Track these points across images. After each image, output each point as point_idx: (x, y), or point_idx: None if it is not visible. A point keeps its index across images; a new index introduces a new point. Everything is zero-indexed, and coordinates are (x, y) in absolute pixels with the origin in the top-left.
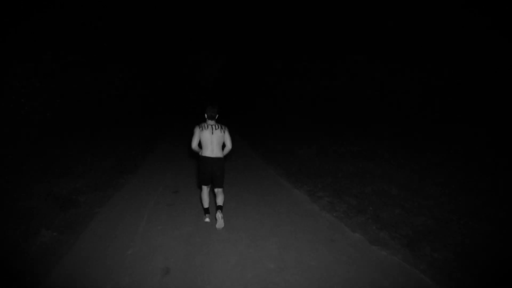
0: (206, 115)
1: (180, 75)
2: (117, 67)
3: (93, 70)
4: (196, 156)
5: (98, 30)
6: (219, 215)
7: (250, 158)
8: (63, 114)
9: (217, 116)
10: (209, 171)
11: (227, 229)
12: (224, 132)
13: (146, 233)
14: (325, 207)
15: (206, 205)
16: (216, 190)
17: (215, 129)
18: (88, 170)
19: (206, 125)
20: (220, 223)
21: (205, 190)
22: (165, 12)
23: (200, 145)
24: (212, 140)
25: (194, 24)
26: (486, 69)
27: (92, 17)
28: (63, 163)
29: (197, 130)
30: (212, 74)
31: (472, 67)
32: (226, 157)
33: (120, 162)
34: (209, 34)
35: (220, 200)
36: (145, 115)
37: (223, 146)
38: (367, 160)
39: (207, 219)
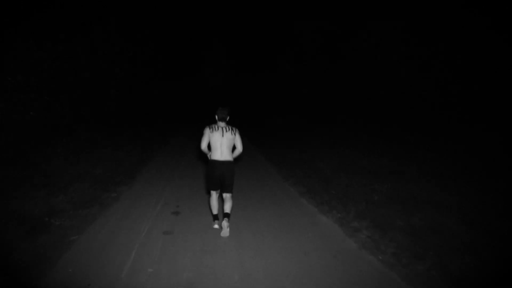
0: (216, 117)
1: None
2: (120, 60)
3: (92, 66)
4: (203, 161)
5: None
6: (225, 223)
7: (265, 171)
8: (52, 113)
9: (228, 118)
10: (218, 175)
11: (241, 277)
12: (234, 134)
13: (131, 279)
14: (366, 245)
15: (215, 211)
16: (224, 195)
17: (226, 131)
18: (74, 181)
19: (216, 127)
20: (225, 232)
21: (214, 195)
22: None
23: (209, 147)
24: (222, 143)
25: (204, 19)
26: None
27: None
28: (45, 172)
29: (207, 131)
30: (220, 73)
31: None
32: (236, 160)
33: (114, 170)
34: (218, 30)
35: (227, 207)
36: (150, 116)
37: (233, 149)
38: (407, 180)
39: (216, 226)
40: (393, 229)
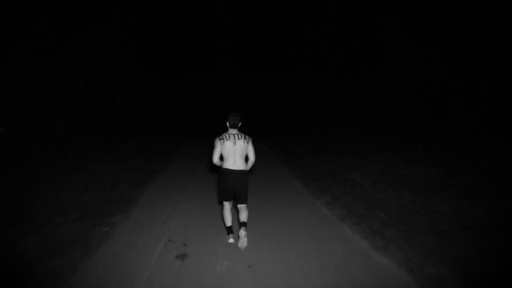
0: (227, 123)
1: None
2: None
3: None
4: (215, 176)
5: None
6: (242, 232)
7: (288, 185)
8: (40, 125)
9: (240, 124)
10: (231, 186)
11: None
12: (248, 143)
13: None
14: None
15: (228, 223)
16: (239, 206)
17: (238, 138)
18: (58, 212)
19: (227, 135)
20: (243, 242)
21: (227, 206)
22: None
23: (221, 157)
24: (234, 151)
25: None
26: None
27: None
28: (23, 201)
29: (217, 143)
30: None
31: None
32: (250, 171)
33: (110, 193)
34: (229, 27)
35: (244, 216)
36: (157, 122)
37: (247, 158)
38: (472, 196)
39: (231, 240)
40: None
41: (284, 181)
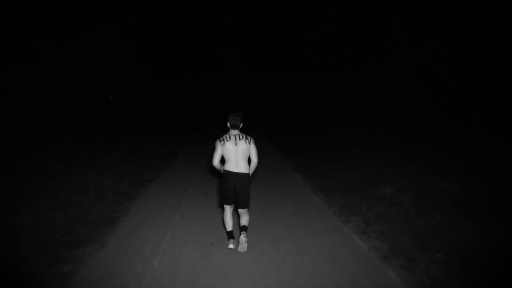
0: (228, 124)
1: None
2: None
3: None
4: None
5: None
6: (242, 238)
7: (305, 201)
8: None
9: (241, 124)
10: (232, 189)
11: None
12: (249, 143)
13: None
14: None
15: (229, 227)
16: (240, 211)
17: (239, 139)
18: (9, 243)
19: (228, 136)
20: (242, 247)
21: (228, 210)
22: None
23: (222, 160)
24: (236, 152)
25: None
26: None
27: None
28: None
29: (218, 145)
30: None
31: None
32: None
33: (85, 212)
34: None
35: (244, 220)
36: (156, 122)
37: (250, 160)
38: None
39: (231, 245)
40: None
41: (300, 195)
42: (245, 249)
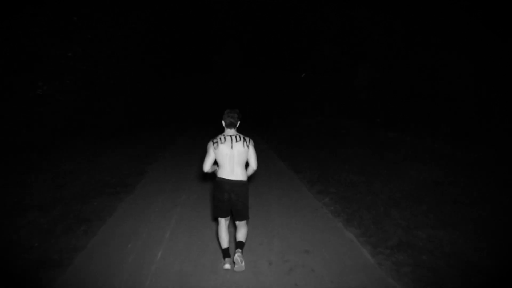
0: (223, 123)
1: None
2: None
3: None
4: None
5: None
6: (238, 258)
7: (324, 227)
8: None
9: (238, 123)
10: (227, 199)
11: None
12: (247, 146)
13: None
14: None
15: (224, 244)
16: (237, 223)
17: (236, 141)
18: None
19: (223, 137)
20: (239, 267)
21: (223, 223)
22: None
23: (216, 163)
24: (232, 156)
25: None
26: None
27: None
28: None
29: (210, 148)
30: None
31: None
32: (250, 179)
33: (38, 249)
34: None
35: (241, 235)
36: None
37: (247, 165)
38: None
39: (227, 266)
40: None
41: (328, 232)
42: (243, 268)
